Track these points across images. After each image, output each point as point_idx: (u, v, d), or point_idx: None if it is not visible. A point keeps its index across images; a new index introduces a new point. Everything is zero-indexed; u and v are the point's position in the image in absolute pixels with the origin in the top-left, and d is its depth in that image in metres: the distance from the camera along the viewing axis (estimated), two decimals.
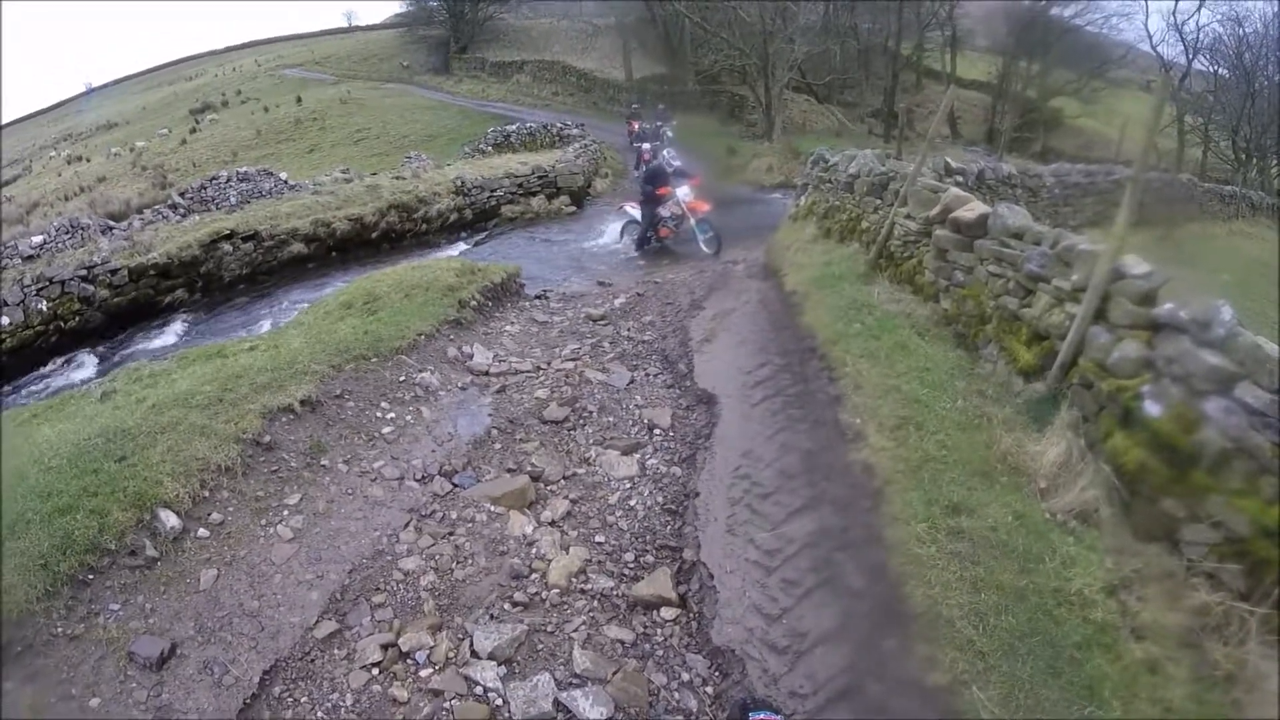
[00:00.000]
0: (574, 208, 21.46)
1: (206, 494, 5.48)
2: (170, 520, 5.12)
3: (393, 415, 7.18)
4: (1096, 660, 3.81)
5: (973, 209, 7.61)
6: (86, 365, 12.90)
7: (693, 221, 14.57)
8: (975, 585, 4.30)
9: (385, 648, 4.65)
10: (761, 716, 2.68)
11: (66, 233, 16.66)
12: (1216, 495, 4.20)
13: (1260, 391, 4.10)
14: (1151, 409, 4.75)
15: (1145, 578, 4.31)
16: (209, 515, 5.36)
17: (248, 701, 4.22)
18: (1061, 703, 3.62)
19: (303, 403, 6.71)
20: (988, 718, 3.57)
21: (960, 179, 12.08)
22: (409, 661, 4.58)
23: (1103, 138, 38.31)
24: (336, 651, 4.66)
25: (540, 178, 21.82)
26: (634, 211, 15.37)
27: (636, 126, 28.34)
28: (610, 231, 16.89)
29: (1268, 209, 29.33)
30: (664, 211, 14.79)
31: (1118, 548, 4.57)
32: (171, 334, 13.85)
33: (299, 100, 51.50)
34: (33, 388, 12.00)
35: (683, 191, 14.68)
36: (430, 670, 4.52)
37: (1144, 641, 3.92)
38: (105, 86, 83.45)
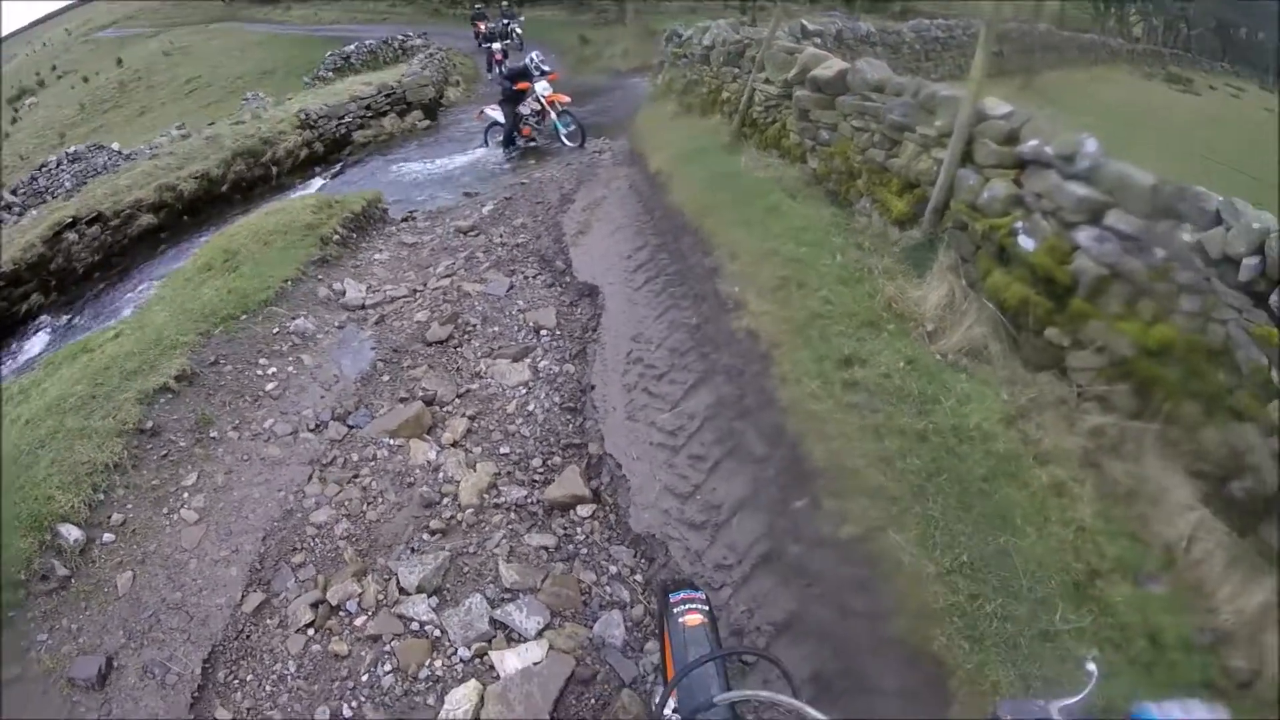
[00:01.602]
0: (428, 121, 20.61)
1: (101, 497, 5.17)
2: (72, 533, 4.84)
3: (273, 370, 6.83)
4: (1005, 489, 3.91)
5: (831, 66, 7.56)
6: None
7: (554, 115, 14.19)
8: (876, 433, 4.34)
9: (315, 606, 4.50)
10: (681, 595, 2.62)
11: None
12: (1097, 321, 4.32)
13: (1131, 218, 4.17)
14: (1026, 244, 4.84)
15: (1040, 406, 4.44)
16: (109, 518, 5.07)
17: (195, 695, 4.06)
18: (977, 534, 3.69)
19: (178, 378, 6.32)
20: (908, 560, 3.61)
21: (818, 41, 12.02)
22: (342, 614, 4.47)
23: None
24: (269, 621, 4.50)
25: (388, 96, 20.81)
26: (495, 114, 14.90)
27: (484, 27, 27.44)
28: (470, 140, 16.32)
29: (1127, 55, 30.29)
30: (524, 109, 14.39)
31: (1010, 380, 4.69)
32: (38, 342, 12.72)
33: (119, 62, 47.97)
34: None
35: (541, 86, 14.25)
36: (364, 618, 4.41)
37: (1047, 466, 4.04)
38: None
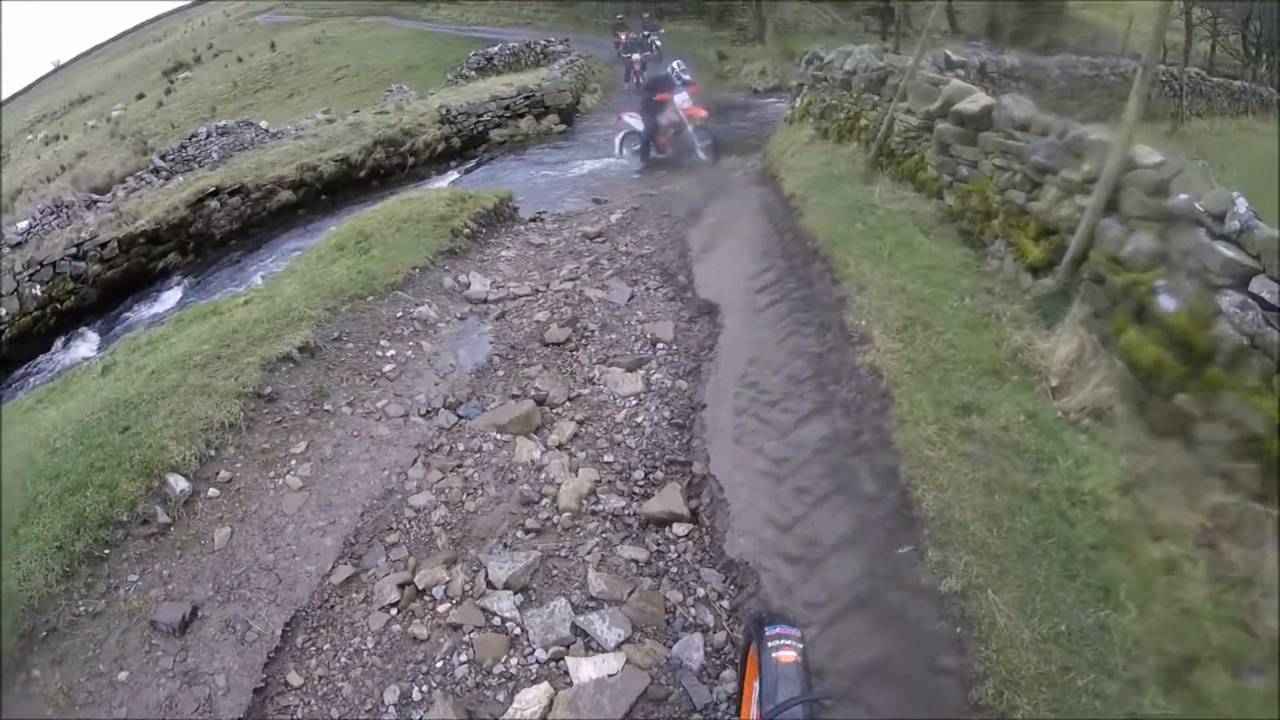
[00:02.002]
0: (564, 126, 21.00)
1: (212, 453, 5.42)
2: (179, 484, 5.08)
3: (393, 352, 7.06)
4: (1112, 561, 3.77)
5: (976, 100, 7.40)
6: (88, 341, 12.78)
7: (690, 129, 14.18)
8: (988, 487, 4.24)
9: (402, 587, 4.62)
10: (778, 629, 2.61)
11: (52, 213, 16.33)
12: (1232, 392, 4.10)
13: (1276, 285, 3.96)
14: (1166, 303, 4.63)
15: (1160, 477, 4.24)
16: (217, 474, 5.31)
17: (271, 655, 4.21)
18: (1077, 605, 3.57)
19: (301, 350, 6.60)
20: (1004, 622, 3.53)
21: (961, 72, 11.73)
22: (426, 598, 4.56)
23: (1109, 30, 37.27)
24: (354, 595, 4.63)
25: (527, 98, 21.29)
26: (633, 122, 15.02)
27: (624, 37, 27.74)
28: (603, 146, 16.53)
29: (1277, 105, 28.67)
30: (663, 119, 14.39)
31: (1132, 446, 4.49)
32: (169, 298, 13.68)
33: (273, 46, 50.22)
34: (37, 373, 11.89)
35: (681, 98, 14.24)
36: (448, 605, 4.49)
37: (1160, 542, 3.86)
38: (75, 60, 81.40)
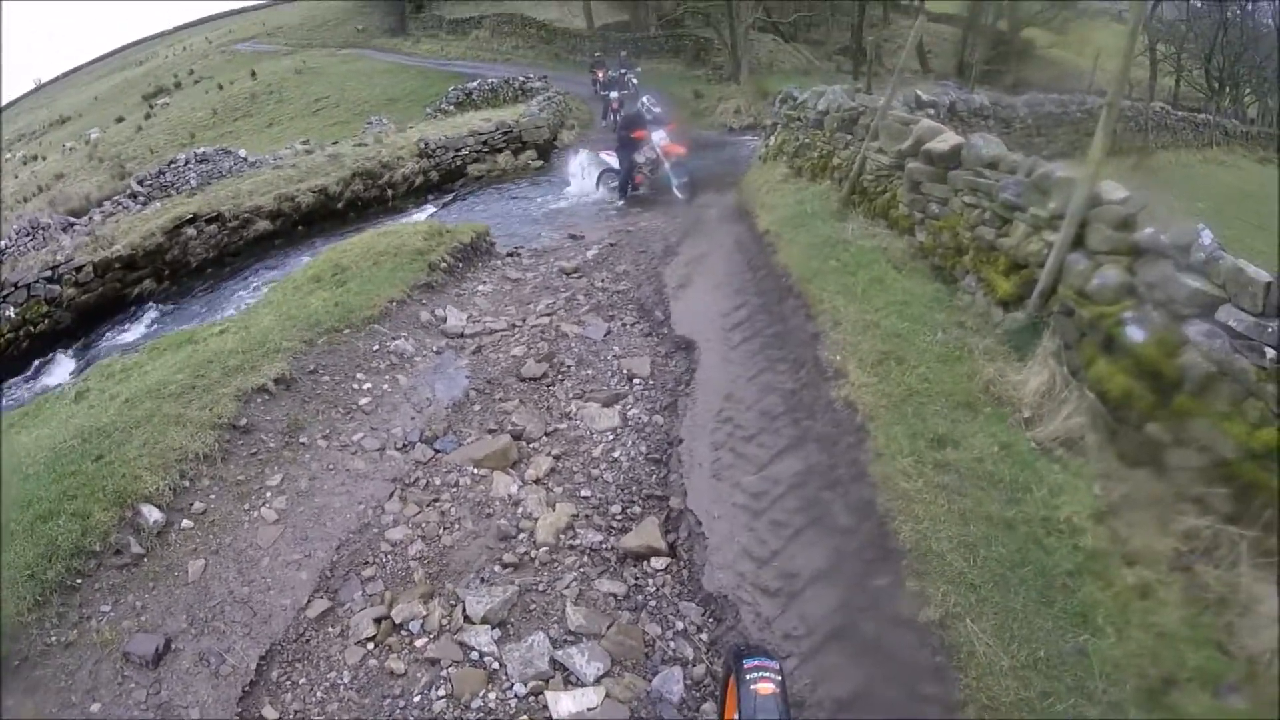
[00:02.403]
0: (541, 161, 21.16)
1: (187, 484, 5.38)
2: (153, 515, 5.03)
3: (369, 386, 7.05)
4: (1089, 587, 3.80)
5: (946, 140, 7.54)
6: (61, 366, 12.66)
7: (667, 166, 14.34)
8: (963, 517, 4.27)
9: (378, 621, 4.58)
10: (756, 662, 2.61)
11: (27, 235, 16.35)
12: (1202, 419, 4.17)
13: (1243, 314, 4.06)
14: (1134, 334, 4.71)
15: (1134, 503, 4.30)
16: (191, 505, 5.27)
17: (246, 689, 4.15)
18: (1055, 631, 3.60)
19: (277, 381, 6.59)
20: (983, 650, 3.55)
21: (932, 111, 11.97)
22: (403, 633, 4.52)
23: (1075, 68, 38.12)
24: (330, 630, 4.59)
25: (505, 133, 21.47)
26: (610, 160, 15.15)
27: (602, 75, 28.01)
28: (579, 182, 16.65)
29: (1241, 136, 29.35)
30: (640, 157, 14.55)
31: (1105, 474, 4.55)
32: (143, 325, 13.59)
33: (253, 74, 50.55)
34: (9, 396, 11.74)
35: (658, 135, 14.43)
36: (425, 639, 4.46)
37: (1135, 567, 3.90)
38: (55, 80, 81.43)
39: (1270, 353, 3.88)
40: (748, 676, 2.54)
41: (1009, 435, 4.91)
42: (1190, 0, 43.83)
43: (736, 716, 2.54)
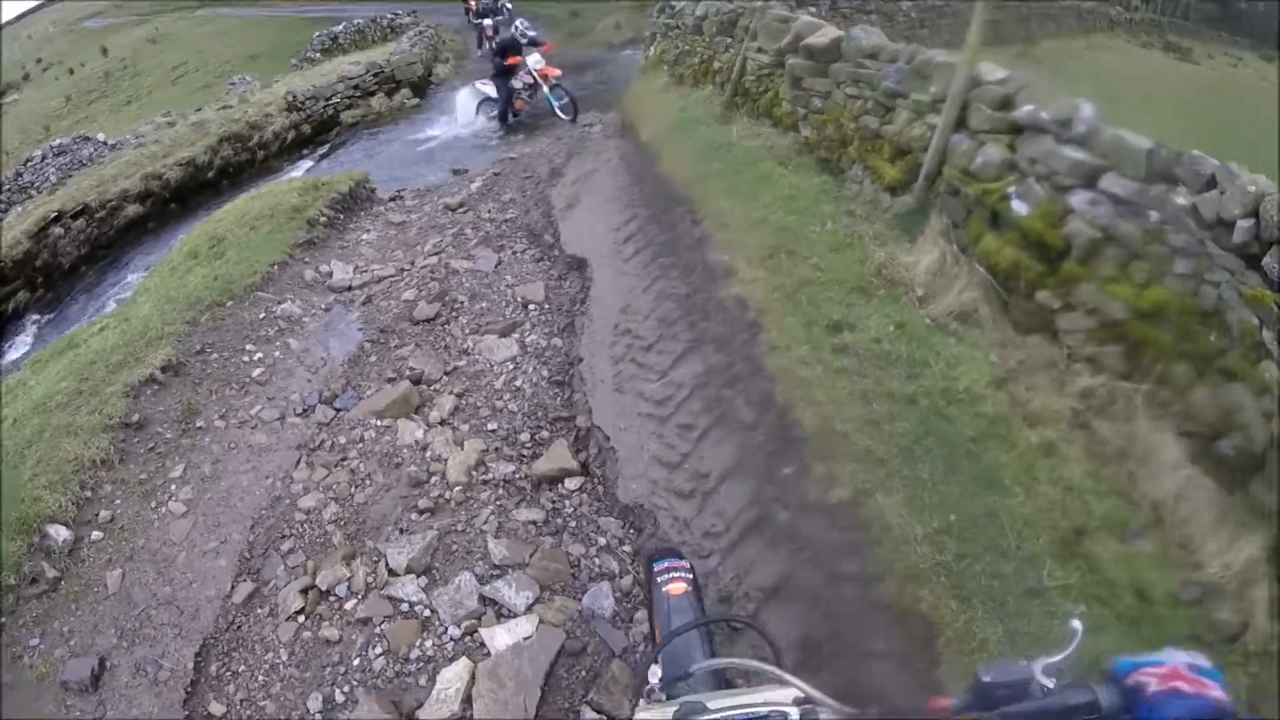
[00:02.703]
0: (417, 100, 20.40)
1: (89, 494, 5.19)
2: (61, 534, 4.84)
3: (260, 356, 6.79)
4: (993, 451, 3.87)
5: (825, 34, 7.46)
6: None
7: (546, 89, 14.02)
8: (865, 397, 4.29)
9: (305, 592, 4.47)
10: (665, 564, 2.57)
11: None
12: (1089, 283, 4.27)
13: (1126, 181, 4.12)
14: (1019, 208, 4.79)
15: (1030, 368, 4.40)
16: (97, 515, 5.08)
17: (188, 690, 4.05)
18: (965, 495, 3.65)
19: (164, 369, 6.32)
20: (896, 521, 3.56)
21: (814, 9, 11.86)
22: (331, 599, 4.43)
23: None
24: (260, 611, 4.48)
25: (376, 75, 20.55)
26: (486, 89, 14.73)
27: (473, 3, 27.01)
28: (461, 117, 16.17)
29: (1125, 23, 29.99)
30: (517, 83, 14.19)
31: (1000, 343, 4.64)
32: (25, 340, 12.66)
33: (105, 52, 47.31)
34: None
35: (533, 60, 14.05)
36: (354, 601, 4.38)
37: (1036, 427, 3.99)
38: None
39: (1154, 215, 3.94)
40: (659, 579, 2.53)
41: (904, 314, 4.94)
42: None
43: (651, 618, 2.51)
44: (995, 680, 1.19)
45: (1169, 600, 3.13)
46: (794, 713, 1.26)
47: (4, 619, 4.38)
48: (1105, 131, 4.30)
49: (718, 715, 1.27)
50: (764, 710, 1.27)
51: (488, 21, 22.41)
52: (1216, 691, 1.08)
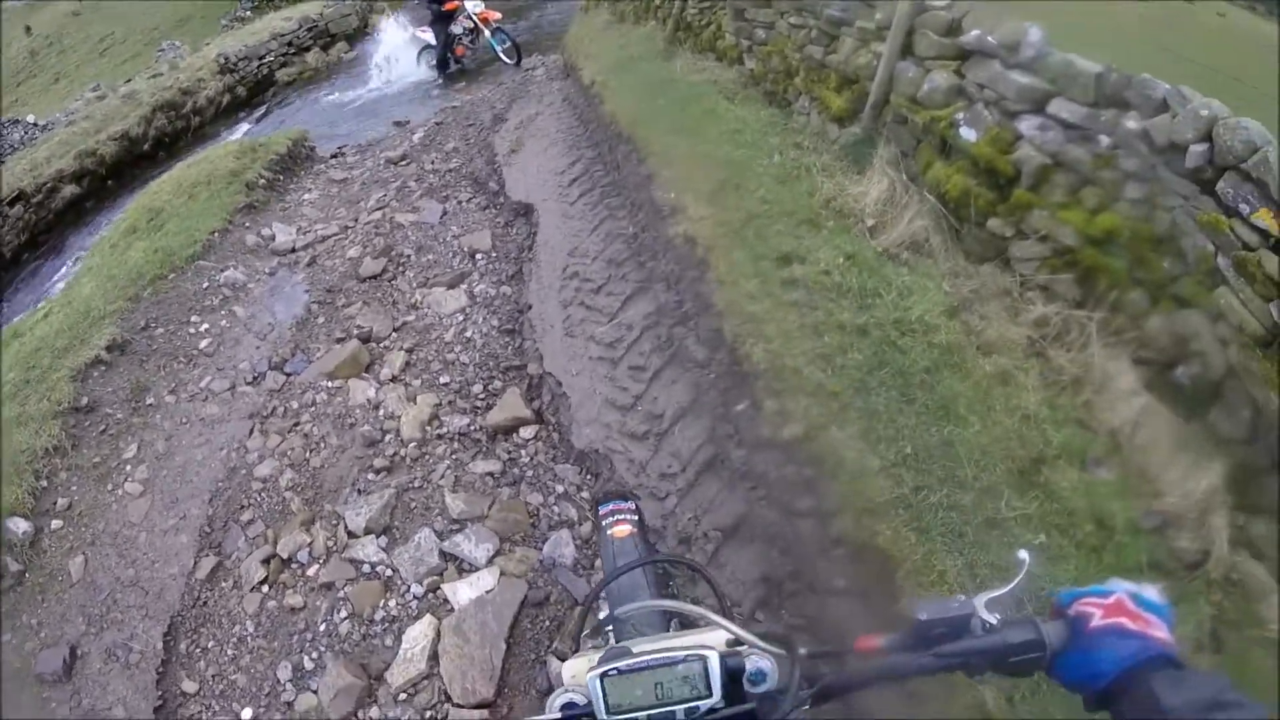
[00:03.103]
0: (353, 53, 19.85)
1: (44, 484, 5.14)
2: (20, 526, 4.82)
3: (206, 327, 6.66)
4: (948, 380, 3.84)
5: None
6: None
7: (488, 33, 13.64)
8: (816, 330, 4.24)
9: (267, 561, 4.45)
10: (610, 506, 2.51)
11: None
12: (1041, 210, 4.22)
13: (1076, 106, 4.05)
14: (967, 135, 4.71)
15: (983, 297, 4.36)
16: (55, 504, 5.03)
17: (160, 671, 4.04)
18: (920, 426, 3.62)
19: (109, 349, 6.20)
20: (852, 456, 3.52)
21: None
22: (294, 566, 4.42)
23: None
24: (223, 585, 4.45)
25: (310, 29, 19.95)
26: (425, 37, 14.38)
27: None
28: (396, 66, 15.78)
29: None
30: (456, 28, 13.79)
31: (953, 272, 4.60)
32: None
33: (28, 30, 45.53)
34: None
35: (472, 4, 13.61)
36: (316, 567, 4.36)
37: (991, 356, 3.97)
38: None
39: (1105, 140, 3.88)
40: (604, 523, 2.49)
41: (854, 245, 4.87)
42: None
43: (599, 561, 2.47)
44: (931, 618, 1.12)
45: (1129, 529, 3.12)
46: (713, 656, 1.20)
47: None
48: (1054, 56, 4.21)
49: (640, 659, 1.21)
50: (683, 654, 1.21)
51: None
52: (1161, 631, 1.02)
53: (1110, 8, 6.49)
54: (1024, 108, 4.34)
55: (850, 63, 5.97)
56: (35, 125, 18.43)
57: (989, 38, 4.63)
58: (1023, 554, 1.16)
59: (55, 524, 4.91)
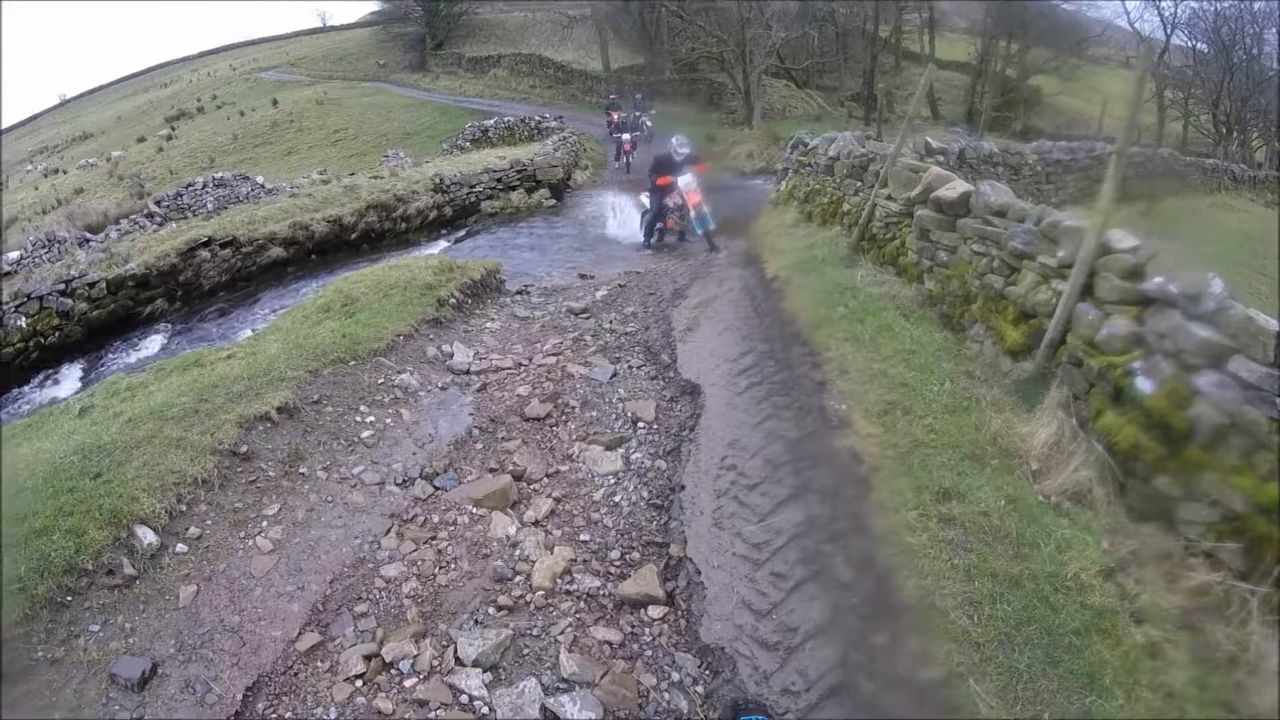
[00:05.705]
0: (554, 201, 21.32)
1: (184, 508, 5.32)
2: (148, 537, 4.97)
3: (372, 419, 7.01)
4: (1096, 646, 3.70)
5: (955, 187, 7.51)
6: (68, 380, 12.73)
7: (693, 214, 13.70)
8: (968, 573, 4.18)
9: (369, 658, 4.49)
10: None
11: (43, 247, 16.50)
12: (1212, 472, 4.08)
13: (1254, 365, 3.99)
14: (1143, 385, 4.64)
15: (1142, 559, 4.21)
16: (187, 530, 5.21)
17: (231, 719, 4.09)
18: (1061, 692, 3.50)
19: (280, 410, 6.55)
20: (986, 711, 3.44)
21: (941, 158, 11.99)
22: (393, 671, 4.43)
23: (1083, 115, 38.44)
24: (319, 664, 4.51)
25: (519, 171, 21.66)
26: (646, 202, 14.92)
27: (616, 117, 28.17)
28: (589, 222, 16.72)
29: (1249, 181, 29.35)
30: (669, 202, 14.18)
31: (1113, 529, 4.46)
32: (152, 345, 13.64)
33: (275, 103, 51.31)
34: (14, 406, 11.82)
35: (684, 181, 13.67)
36: (415, 680, 4.37)
37: (1143, 625, 3.81)
38: (79, 97, 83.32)
39: None
40: None
41: (1016, 488, 4.81)
42: (1197, 46, 44.28)
43: None
44: None
45: None
46: None
47: (68, 597, 4.48)
48: (1234, 309, 4.18)
49: None
50: None
51: (626, 136, 23.33)
52: None
53: None
54: (1203, 363, 4.27)
55: (1029, 297, 6.01)
56: (262, 186, 20.47)
57: (1171, 286, 4.62)
58: None
59: (180, 548, 5.04)
